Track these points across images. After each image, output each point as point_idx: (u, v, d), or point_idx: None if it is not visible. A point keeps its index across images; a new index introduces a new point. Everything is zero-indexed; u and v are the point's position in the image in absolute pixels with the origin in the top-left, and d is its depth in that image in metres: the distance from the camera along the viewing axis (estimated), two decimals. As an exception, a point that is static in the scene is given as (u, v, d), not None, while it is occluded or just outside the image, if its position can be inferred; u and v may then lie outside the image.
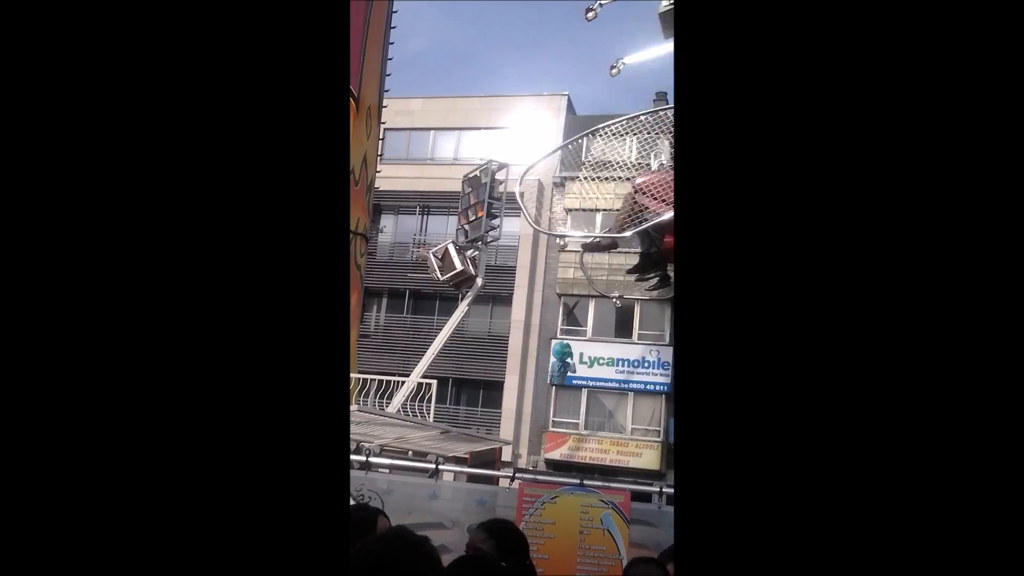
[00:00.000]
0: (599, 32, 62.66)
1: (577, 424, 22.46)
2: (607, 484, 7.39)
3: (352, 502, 6.38)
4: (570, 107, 25.17)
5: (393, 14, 13.84)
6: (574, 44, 64.16)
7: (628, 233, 7.47)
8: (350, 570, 1.65)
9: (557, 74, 71.48)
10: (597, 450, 21.79)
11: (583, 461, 21.21)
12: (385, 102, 13.74)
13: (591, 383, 22.52)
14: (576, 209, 23.72)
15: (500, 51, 66.46)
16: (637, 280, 8.17)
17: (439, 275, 13.26)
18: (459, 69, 63.57)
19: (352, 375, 10.60)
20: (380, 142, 13.63)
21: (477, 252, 13.37)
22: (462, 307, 13.29)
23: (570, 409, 22.65)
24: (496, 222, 13.48)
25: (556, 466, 20.90)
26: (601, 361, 22.54)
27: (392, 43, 13.96)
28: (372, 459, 7.99)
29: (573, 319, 23.44)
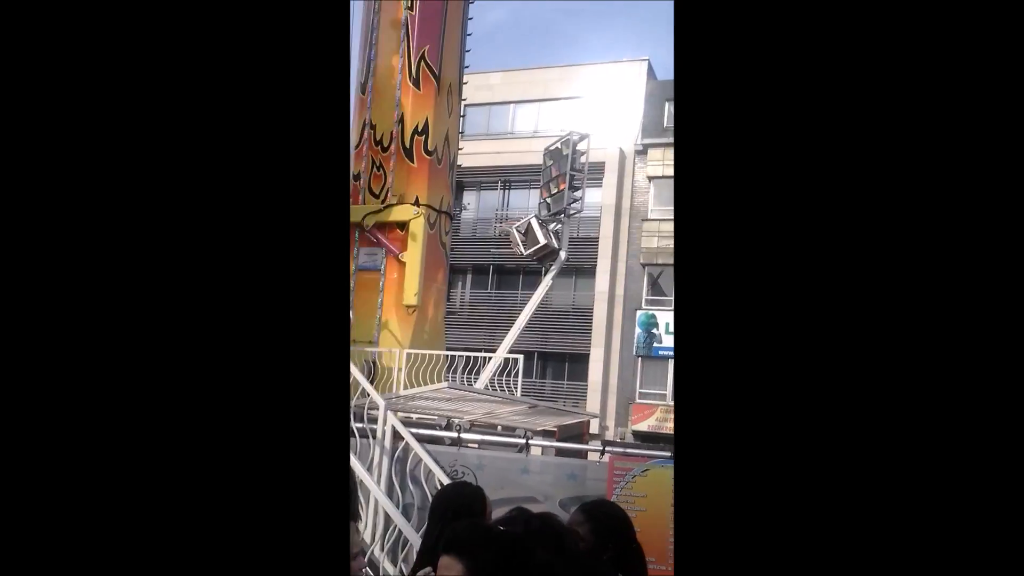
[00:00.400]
0: (679, -6, 60.91)
1: (664, 395, 22.29)
2: (699, 458, 7.26)
3: (447, 480, 6.50)
4: (651, 72, 24.70)
5: (472, -11, 13.81)
6: (653, 6, 62.89)
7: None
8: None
9: (637, 38, 70.26)
10: (685, 420, 21.56)
11: (671, 432, 21.07)
12: (465, 78, 13.76)
13: (678, 353, 22.26)
14: (659, 177, 23.39)
15: (578, 18, 65.66)
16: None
17: (522, 249, 13.23)
18: (538, 40, 63.12)
19: (440, 352, 10.75)
20: (461, 119, 13.67)
21: (560, 225, 13.29)
22: (546, 281, 13.27)
23: (657, 380, 22.50)
24: (578, 194, 13.34)
25: (644, 438, 20.83)
26: (688, 331, 22.22)
27: (471, 18, 13.94)
28: (463, 435, 8.11)
29: (658, 289, 23.19)
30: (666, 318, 22.54)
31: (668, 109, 23.87)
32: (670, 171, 23.26)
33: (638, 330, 22.73)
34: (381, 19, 12.16)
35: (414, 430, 7.53)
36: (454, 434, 8.21)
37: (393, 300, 10.94)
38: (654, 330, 22.65)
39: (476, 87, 17.39)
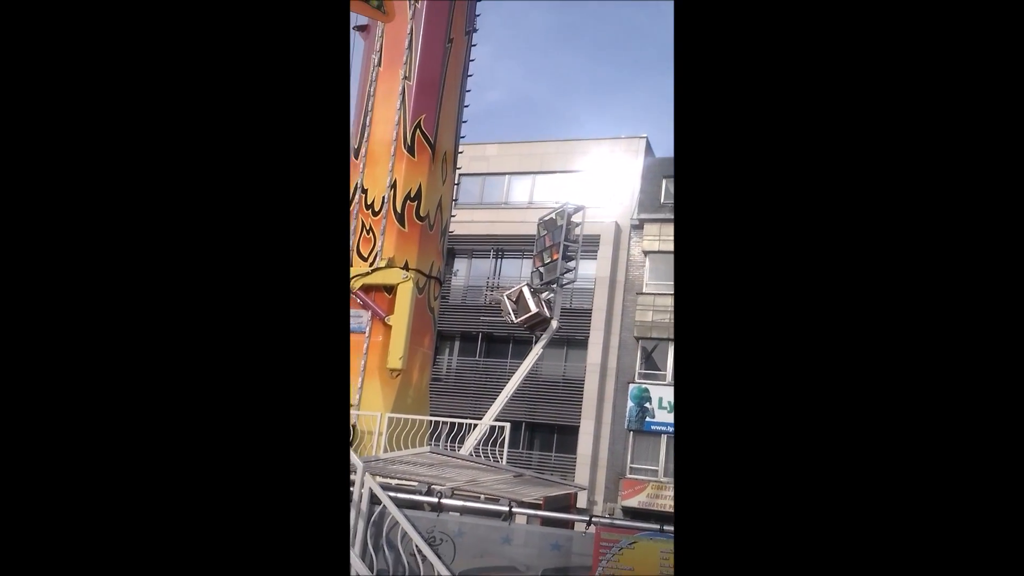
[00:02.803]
0: (676, 76, 62.52)
1: (656, 471, 21.98)
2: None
3: (424, 545, 6.34)
4: (648, 149, 25.09)
5: (471, 62, 14.13)
6: (652, 89, 64.43)
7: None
8: None
9: (635, 118, 71.83)
10: (677, 498, 21.26)
11: (663, 510, 20.71)
12: (461, 148, 13.97)
13: (671, 429, 22.05)
14: (655, 251, 23.54)
15: (577, 100, 67.22)
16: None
17: (513, 318, 13.20)
18: (536, 119, 64.56)
19: (424, 417, 10.61)
20: (455, 187, 13.83)
21: (552, 294, 13.29)
22: (536, 350, 13.20)
23: (649, 455, 22.20)
24: (572, 264, 13.39)
25: (634, 514, 20.45)
26: (681, 406, 22.09)
27: (469, 91, 14.23)
28: (444, 501, 7.94)
29: (652, 363, 23.08)
30: (659, 392, 22.38)
31: (665, 185, 24.18)
32: (666, 246, 23.44)
33: (630, 404, 22.54)
34: (378, 88, 12.40)
35: (392, 494, 7.37)
36: (434, 499, 8.04)
37: (377, 363, 10.86)
38: (647, 404, 22.45)
39: (472, 157, 17.65)
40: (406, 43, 12.40)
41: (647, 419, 22.36)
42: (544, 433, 23.26)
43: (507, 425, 10.82)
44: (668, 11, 63.79)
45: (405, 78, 12.31)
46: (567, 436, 22.82)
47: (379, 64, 12.44)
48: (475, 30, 14.29)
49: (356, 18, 12.76)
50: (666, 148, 28.25)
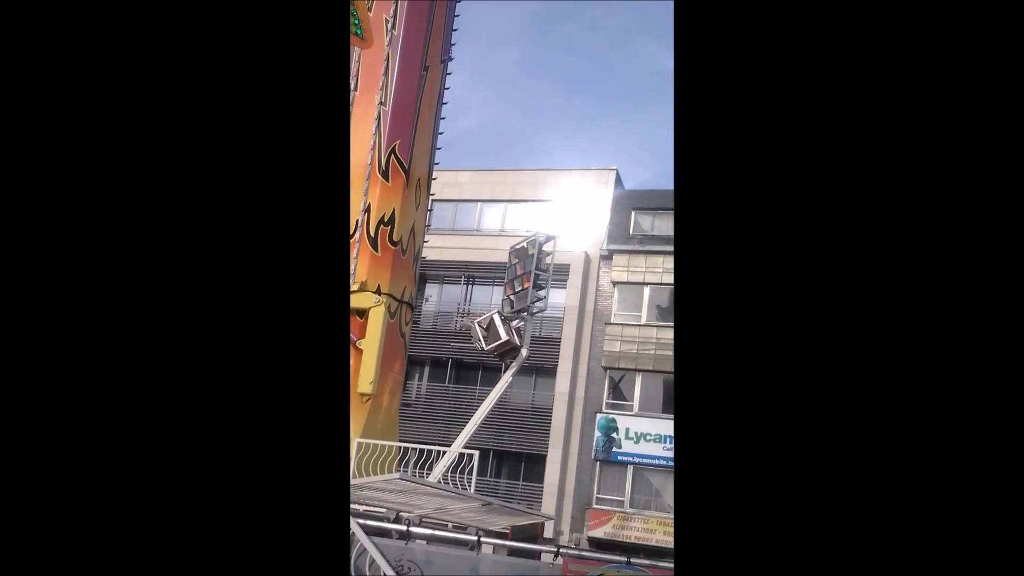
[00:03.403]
0: (649, 110, 63.72)
1: (622, 501, 21.95)
2: (655, 563, 7.15)
3: (392, 572, 6.26)
4: (618, 181, 25.34)
5: (445, 90, 14.23)
6: (622, 123, 65.35)
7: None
8: None
9: (605, 151, 72.70)
10: (643, 529, 21.23)
11: (628, 540, 20.65)
12: (434, 174, 14.01)
13: (637, 460, 22.08)
14: (623, 282, 23.70)
15: (549, 130, 67.95)
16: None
17: (483, 344, 13.19)
18: (508, 147, 65.14)
19: (393, 443, 10.51)
20: (428, 213, 13.84)
21: (522, 323, 13.30)
22: (506, 377, 13.18)
23: (615, 486, 22.18)
24: (542, 293, 13.43)
25: (599, 544, 20.36)
26: (648, 437, 22.13)
27: (444, 118, 14.30)
28: (412, 529, 7.86)
29: (619, 393, 23.14)
30: (626, 423, 22.40)
31: (634, 217, 24.40)
32: (635, 277, 23.61)
33: (597, 433, 22.53)
34: (353, 111, 12.42)
35: (361, 521, 7.28)
36: (403, 527, 7.95)
37: (348, 387, 10.76)
38: (614, 434, 22.46)
39: (445, 184, 17.69)
40: (382, 69, 12.44)
41: (614, 449, 22.35)
42: (512, 461, 23.14)
43: (476, 453, 10.75)
44: (640, 49, 64.87)
45: (380, 103, 12.35)
46: (534, 464, 22.73)
47: (355, 88, 12.47)
48: (451, 59, 14.40)
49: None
50: (635, 180, 28.53)
